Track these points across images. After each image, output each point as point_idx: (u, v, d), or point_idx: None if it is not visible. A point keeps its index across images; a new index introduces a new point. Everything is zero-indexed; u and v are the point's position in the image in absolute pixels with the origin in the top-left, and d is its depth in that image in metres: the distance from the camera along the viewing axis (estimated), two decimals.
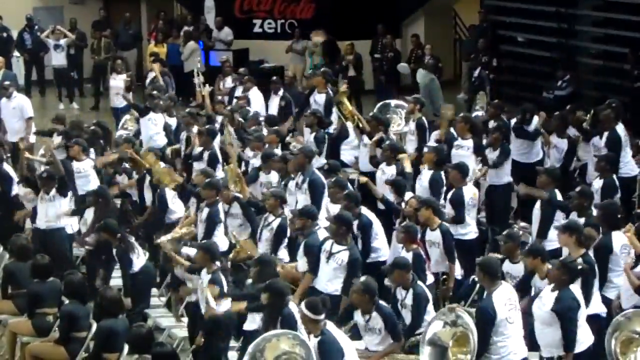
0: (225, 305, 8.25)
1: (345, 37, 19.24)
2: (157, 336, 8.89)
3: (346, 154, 12.88)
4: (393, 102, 14.11)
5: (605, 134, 11.84)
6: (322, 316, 7.30)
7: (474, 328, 7.45)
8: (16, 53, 20.37)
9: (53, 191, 10.70)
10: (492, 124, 12.74)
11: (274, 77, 15.54)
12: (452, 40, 21.62)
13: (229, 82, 16.32)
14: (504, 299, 7.56)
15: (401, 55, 19.51)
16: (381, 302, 8.05)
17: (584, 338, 7.58)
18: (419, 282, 8.38)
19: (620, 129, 11.79)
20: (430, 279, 9.14)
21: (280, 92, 14.93)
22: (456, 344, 7.46)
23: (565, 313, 7.45)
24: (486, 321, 7.44)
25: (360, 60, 18.70)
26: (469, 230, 10.19)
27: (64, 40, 19.76)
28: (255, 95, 14.95)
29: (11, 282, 9.57)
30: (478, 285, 9.03)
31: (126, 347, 8.06)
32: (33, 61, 20.29)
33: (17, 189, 11.62)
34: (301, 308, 7.37)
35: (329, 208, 10.19)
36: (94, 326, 8.48)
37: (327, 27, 19.42)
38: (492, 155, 11.71)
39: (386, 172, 11.11)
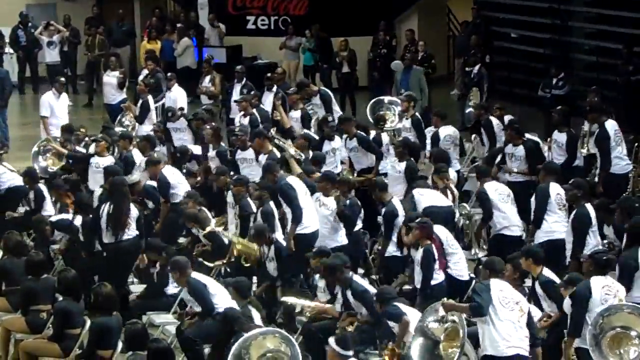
0: None
1: (338, 33, 19.24)
2: (151, 333, 8.88)
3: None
4: (386, 98, 14.12)
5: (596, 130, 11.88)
6: (351, 352, 7.35)
7: (464, 323, 7.51)
8: (10, 50, 20.34)
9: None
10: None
11: (268, 74, 15.56)
12: (445, 36, 21.62)
13: (206, 81, 16.30)
14: (499, 287, 7.65)
15: (395, 52, 19.50)
16: None
17: None
18: (355, 279, 8.70)
19: (609, 125, 11.79)
20: (441, 277, 9.18)
21: (274, 89, 14.97)
22: (447, 338, 7.51)
23: (576, 297, 7.73)
24: (482, 288, 7.58)
25: (354, 57, 18.69)
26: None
27: (57, 37, 19.72)
28: (178, 92, 14.89)
29: (5, 278, 9.56)
30: (474, 282, 9.09)
31: (120, 344, 8.07)
32: (26, 58, 20.26)
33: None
34: (330, 343, 7.37)
35: (323, 201, 10.22)
36: (88, 323, 8.49)
37: (320, 23, 19.42)
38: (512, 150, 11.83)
39: (397, 167, 11.24)
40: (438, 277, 9.22)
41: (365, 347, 8.46)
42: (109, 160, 12.02)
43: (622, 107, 16.31)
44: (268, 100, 14.85)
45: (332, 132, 12.30)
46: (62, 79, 15.72)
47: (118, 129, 14.16)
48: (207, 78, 16.32)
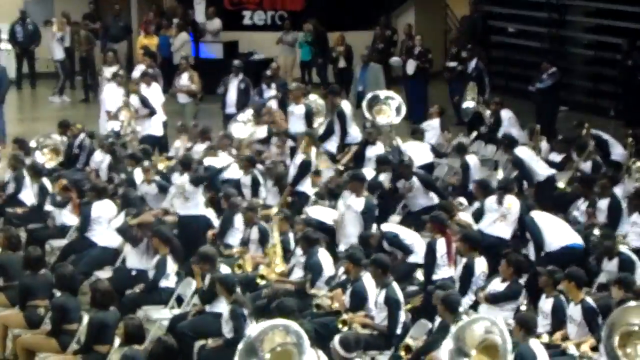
0: None
1: (334, 28, 19.23)
2: (148, 328, 8.89)
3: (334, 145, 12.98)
4: (383, 93, 14.10)
5: None
6: (353, 354, 7.37)
7: (508, 337, 7.06)
8: (8, 46, 20.30)
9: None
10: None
11: (268, 72, 15.57)
12: (442, 31, 21.58)
13: (184, 78, 16.27)
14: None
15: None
16: None
17: None
18: (394, 286, 8.56)
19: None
20: (446, 273, 9.14)
21: (274, 86, 14.97)
22: (481, 353, 7.01)
23: None
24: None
25: (350, 52, 18.68)
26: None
27: (59, 33, 19.65)
28: (155, 91, 14.86)
29: (2, 274, 9.56)
30: None
31: (117, 339, 8.06)
32: (24, 54, 20.23)
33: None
34: (334, 344, 7.40)
35: (351, 203, 10.22)
36: (85, 318, 8.49)
37: (316, 18, 19.39)
38: None
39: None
40: (441, 272, 9.18)
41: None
42: (153, 188, 11.64)
43: (620, 102, 16.37)
44: (268, 97, 14.89)
45: (374, 137, 12.22)
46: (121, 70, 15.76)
47: (111, 123, 14.16)
48: (185, 76, 16.28)
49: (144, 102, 14.24)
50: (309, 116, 13.31)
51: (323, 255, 9.38)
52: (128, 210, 10.32)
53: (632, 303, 7.59)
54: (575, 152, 12.34)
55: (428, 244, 9.33)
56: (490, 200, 10.33)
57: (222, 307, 8.69)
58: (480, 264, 9.18)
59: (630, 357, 7.15)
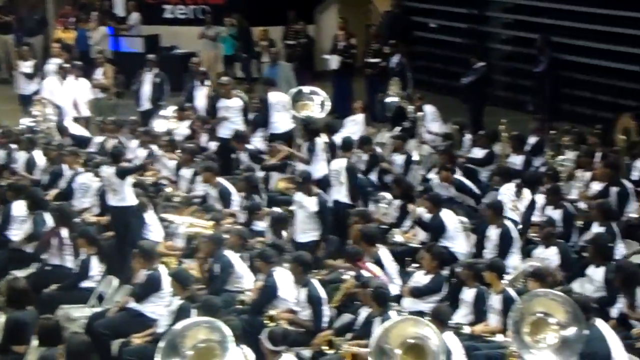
0: None
1: (258, 23, 19.10)
2: (68, 326, 8.67)
3: None
4: (307, 88, 14.06)
5: None
6: (281, 348, 7.41)
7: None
8: None
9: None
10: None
11: (202, 68, 15.35)
12: (366, 27, 21.62)
13: (98, 73, 16.07)
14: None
15: (315, 41, 19.46)
16: None
17: None
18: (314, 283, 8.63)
19: None
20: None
21: (207, 82, 14.80)
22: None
23: None
24: None
25: (274, 46, 18.57)
26: None
27: None
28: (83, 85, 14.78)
29: None
30: None
31: (35, 340, 7.83)
32: None
33: None
34: (262, 338, 7.43)
35: (302, 201, 10.24)
36: (2, 318, 8.23)
37: (239, 12, 19.24)
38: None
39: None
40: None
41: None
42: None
43: (539, 97, 16.63)
44: (201, 95, 14.67)
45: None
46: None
47: (25, 120, 13.86)
48: (100, 70, 16.00)
49: (75, 138, 13.80)
50: (247, 109, 13.22)
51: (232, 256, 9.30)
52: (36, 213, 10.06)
53: (539, 291, 7.67)
54: (513, 146, 12.38)
55: (355, 277, 9.01)
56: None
57: (146, 307, 8.59)
58: (386, 255, 9.35)
59: (538, 342, 7.21)
